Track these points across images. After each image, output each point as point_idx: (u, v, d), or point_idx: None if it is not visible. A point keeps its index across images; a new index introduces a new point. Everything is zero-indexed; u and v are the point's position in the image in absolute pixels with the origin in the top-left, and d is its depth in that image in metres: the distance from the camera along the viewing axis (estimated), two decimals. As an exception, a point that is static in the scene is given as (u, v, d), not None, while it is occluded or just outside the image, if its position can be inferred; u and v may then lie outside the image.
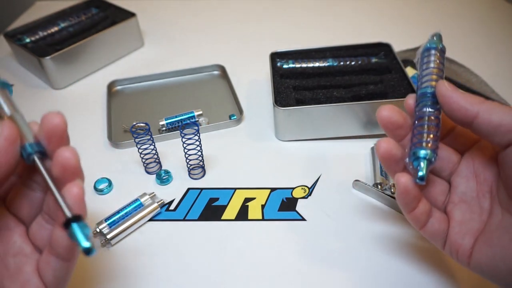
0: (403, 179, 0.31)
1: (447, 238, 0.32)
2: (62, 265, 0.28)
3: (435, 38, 0.35)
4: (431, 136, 0.31)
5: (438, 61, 0.33)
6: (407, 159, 0.32)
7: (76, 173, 0.27)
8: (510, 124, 0.28)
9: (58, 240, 0.26)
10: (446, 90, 0.30)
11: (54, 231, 0.27)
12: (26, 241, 0.29)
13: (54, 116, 0.27)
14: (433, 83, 0.32)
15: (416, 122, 0.32)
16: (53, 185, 0.26)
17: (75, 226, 0.24)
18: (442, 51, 0.34)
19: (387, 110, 0.33)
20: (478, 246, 0.31)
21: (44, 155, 0.27)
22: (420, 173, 0.30)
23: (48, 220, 0.29)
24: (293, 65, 0.58)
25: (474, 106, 0.29)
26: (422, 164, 0.30)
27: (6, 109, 0.28)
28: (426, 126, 0.31)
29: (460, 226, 0.32)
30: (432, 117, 0.32)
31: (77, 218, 0.25)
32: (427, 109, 0.32)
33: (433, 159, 0.31)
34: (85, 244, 0.24)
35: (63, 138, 0.27)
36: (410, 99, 0.34)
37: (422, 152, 0.30)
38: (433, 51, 0.34)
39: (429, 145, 0.31)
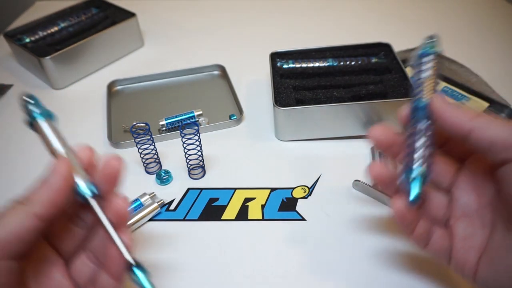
0: (397, 205, 0.31)
1: (452, 254, 0.32)
2: None
3: (431, 42, 0.33)
4: (424, 155, 0.30)
5: (432, 71, 0.32)
6: (400, 179, 0.31)
7: (126, 220, 0.29)
8: (505, 141, 0.27)
9: (105, 284, 0.28)
10: (439, 106, 0.30)
11: (101, 275, 0.28)
12: (66, 276, 0.29)
13: (115, 161, 0.29)
14: (427, 95, 0.31)
15: (409, 139, 0.32)
16: (111, 227, 0.27)
17: (139, 272, 0.27)
18: (439, 56, 0.33)
19: (376, 131, 0.33)
20: (482, 263, 0.30)
21: (98, 195, 0.28)
22: (411, 197, 0.30)
23: (93, 260, 0.29)
24: (293, 65, 0.58)
25: (468, 122, 0.28)
26: (414, 186, 0.30)
27: (58, 146, 0.28)
28: (418, 145, 0.30)
29: (463, 241, 0.32)
30: (425, 135, 0.31)
31: (139, 265, 0.27)
32: (419, 126, 0.31)
33: (426, 179, 0.30)
34: None
35: (117, 180, 0.29)
36: (404, 111, 0.33)
37: (414, 173, 0.30)
38: (425, 58, 0.33)
39: (421, 164, 0.30)
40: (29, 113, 0.28)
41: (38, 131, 0.28)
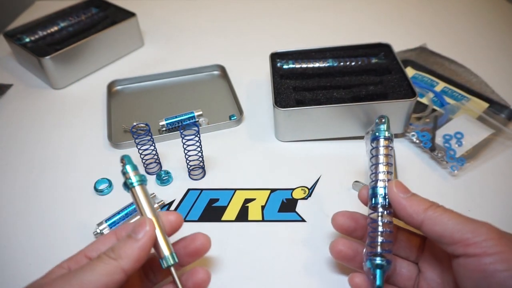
0: (356, 281, 0.34)
1: None
2: None
3: (383, 124, 0.35)
4: (384, 243, 0.33)
5: (386, 154, 0.34)
6: (364, 265, 0.34)
7: None
8: (451, 237, 0.29)
9: None
10: (395, 195, 0.32)
11: None
12: None
13: (204, 239, 0.34)
14: (382, 183, 0.34)
15: (369, 226, 0.34)
16: None
17: None
18: (390, 139, 0.35)
19: (340, 217, 0.36)
20: None
21: (177, 263, 0.32)
22: (377, 284, 0.32)
23: None
24: (293, 66, 0.58)
25: (419, 215, 0.31)
26: (378, 274, 0.32)
27: (148, 213, 0.32)
28: (378, 233, 0.33)
29: None
30: (384, 221, 0.33)
31: None
32: (379, 213, 0.33)
33: (387, 268, 0.32)
34: None
35: (202, 255, 0.34)
36: (364, 190, 0.36)
37: (377, 263, 0.32)
38: (381, 141, 0.35)
39: (381, 254, 0.32)
40: (128, 181, 0.32)
41: (132, 194, 0.32)
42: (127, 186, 0.32)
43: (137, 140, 0.47)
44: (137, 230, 0.30)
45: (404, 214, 0.32)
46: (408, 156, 0.51)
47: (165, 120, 0.56)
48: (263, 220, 0.44)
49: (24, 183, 0.50)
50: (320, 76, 0.57)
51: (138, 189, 0.32)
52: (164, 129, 0.56)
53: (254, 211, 0.45)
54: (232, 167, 0.51)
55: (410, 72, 0.65)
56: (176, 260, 0.31)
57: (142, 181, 0.33)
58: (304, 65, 0.58)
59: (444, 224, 0.30)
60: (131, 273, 0.29)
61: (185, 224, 0.44)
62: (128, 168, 0.32)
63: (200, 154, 0.48)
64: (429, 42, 0.70)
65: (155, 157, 0.50)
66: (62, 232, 0.44)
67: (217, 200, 0.47)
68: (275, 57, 0.60)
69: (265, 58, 0.60)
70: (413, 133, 0.52)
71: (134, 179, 0.32)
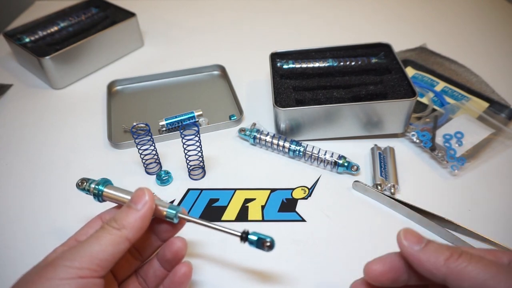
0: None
1: None
2: None
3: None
4: None
5: None
6: None
7: (182, 258, 0.34)
8: (483, 285, 0.25)
9: None
10: (407, 250, 0.28)
11: None
12: None
13: (180, 242, 0.34)
14: None
15: None
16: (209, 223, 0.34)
17: None
18: None
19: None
20: None
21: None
22: None
23: (142, 284, 0.35)
24: (293, 66, 0.58)
25: (440, 269, 0.26)
26: None
27: (125, 197, 0.34)
28: None
29: None
30: None
31: None
32: None
33: None
34: None
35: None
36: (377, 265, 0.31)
37: None
38: None
39: None
40: (95, 192, 0.34)
41: (107, 196, 0.34)
42: (98, 196, 0.34)
43: (137, 140, 0.47)
44: (137, 201, 0.31)
45: (422, 270, 0.27)
46: (408, 156, 0.51)
47: (165, 120, 0.56)
48: (263, 220, 0.44)
49: (24, 183, 0.50)
50: (320, 76, 0.57)
51: (107, 190, 0.34)
52: (164, 129, 0.56)
53: (254, 211, 0.45)
54: (232, 167, 0.51)
55: (410, 72, 0.65)
56: (179, 208, 0.33)
57: (106, 182, 0.34)
58: (304, 65, 0.58)
59: (473, 279, 0.25)
60: (134, 241, 0.30)
61: (186, 224, 0.44)
62: (89, 185, 0.34)
63: (200, 154, 0.48)
64: (429, 42, 0.70)
65: (155, 157, 0.50)
66: (62, 232, 0.44)
67: (217, 200, 0.47)
68: (275, 57, 0.60)
69: (265, 58, 0.60)
70: (413, 132, 0.52)
71: (98, 187, 0.34)
